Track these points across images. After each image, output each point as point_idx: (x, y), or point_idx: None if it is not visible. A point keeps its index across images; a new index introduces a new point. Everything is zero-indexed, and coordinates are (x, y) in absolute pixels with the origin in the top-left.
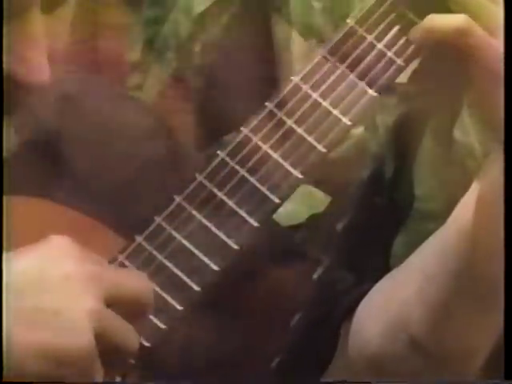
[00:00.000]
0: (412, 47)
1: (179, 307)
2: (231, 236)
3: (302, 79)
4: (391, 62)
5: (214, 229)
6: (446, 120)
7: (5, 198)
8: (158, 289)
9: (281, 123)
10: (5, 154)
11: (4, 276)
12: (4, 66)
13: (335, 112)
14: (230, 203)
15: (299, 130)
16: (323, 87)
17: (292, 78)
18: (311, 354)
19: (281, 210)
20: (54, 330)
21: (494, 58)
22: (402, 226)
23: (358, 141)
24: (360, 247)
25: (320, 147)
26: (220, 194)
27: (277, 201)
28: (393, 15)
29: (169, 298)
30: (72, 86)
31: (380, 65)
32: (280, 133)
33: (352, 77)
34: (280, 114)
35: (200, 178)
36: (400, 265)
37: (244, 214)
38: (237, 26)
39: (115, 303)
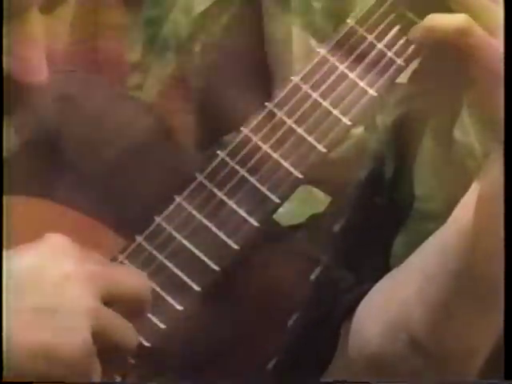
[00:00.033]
0: (412, 47)
1: (179, 307)
2: (231, 236)
3: (302, 79)
4: (391, 62)
5: (214, 229)
6: (445, 120)
7: (5, 198)
8: (158, 289)
9: (281, 123)
10: (5, 153)
11: (3, 275)
12: (4, 66)
13: (335, 112)
14: (230, 203)
15: (299, 130)
16: (323, 87)
17: (292, 77)
18: (311, 354)
19: (281, 209)
20: (51, 330)
21: (494, 57)
22: (401, 226)
23: (357, 141)
24: (360, 247)
25: (320, 147)
26: (220, 194)
27: (277, 201)
28: (393, 15)
29: (169, 298)
30: (72, 86)
31: (380, 65)
32: (280, 133)
33: (352, 77)
34: (280, 114)
35: (200, 177)
36: (400, 265)
37: (244, 214)
38: (237, 26)
39: (113, 301)
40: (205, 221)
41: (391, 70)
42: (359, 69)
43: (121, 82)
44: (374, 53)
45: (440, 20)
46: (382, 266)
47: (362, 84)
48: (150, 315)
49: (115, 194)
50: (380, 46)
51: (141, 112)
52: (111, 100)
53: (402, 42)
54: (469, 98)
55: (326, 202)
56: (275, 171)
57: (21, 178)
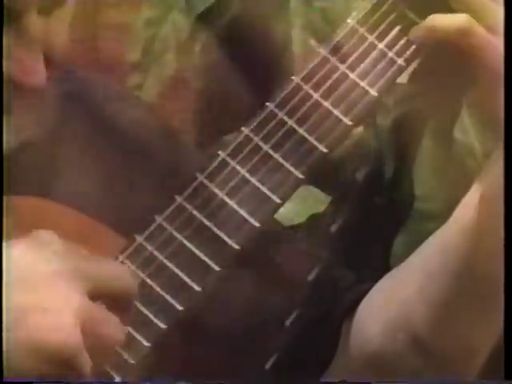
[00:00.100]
0: (413, 47)
1: (179, 307)
2: (232, 236)
3: (302, 79)
4: (392, 62)
5: (214, 229)
6: (445, 120)
7: (5, 198)
8: (158, 289)
9: (282, 123)
10: (5, 153)
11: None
12: (3, 67)
13: (336, 112)
14: (231, 203)
15: (300, 130)
16: (324, 87)
17: (293, 77)
18: (311, 353)
19: (281, 209)
20: (40, 326)
21: (495, 57)
22: (401, 226)
23: (358, 141)
24: (360, 247)
25: (321, 147)
26: (221, 194)
27: (278, 201)
28: (394, 15)
29: (169, 298)
30: (72, 86)
31: (381, 65)
32: (280, 133)
33: (353, 77)
34: (281, 114)
35: (201, 177)
36: (400, 264)
37: (245, 214)
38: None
39: (100, 296)
40: (205, 221)
41: (392, 70)
42: (360, 69)
43: (121, 82)
44: (374, 53)
45: (441, 20)
46: (382, 266)
47: (362, 84)
48: (150, 315)
49: (115, 193)
50: (381, 46)
51: (141, 111)
52: (112, 100)
53: (402, 42)
54: (469, 98)
55: (326, 202)
56: (276, 171)
57: (21, 177)
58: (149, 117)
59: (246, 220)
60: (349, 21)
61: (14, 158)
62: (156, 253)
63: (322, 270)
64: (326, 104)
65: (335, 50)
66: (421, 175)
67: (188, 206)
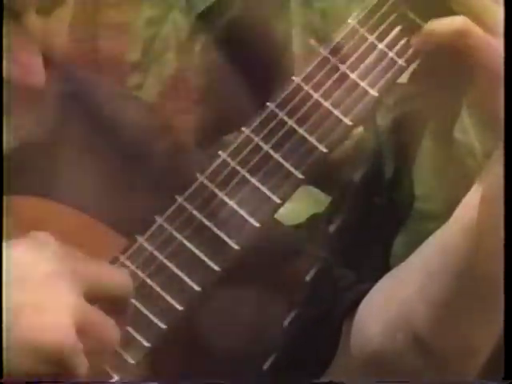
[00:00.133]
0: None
1: (179, 307)
2: (232, 236)
3: (303, 79)
4: (392, 62)
5: (214, 229)
6: (445, 120)
7: (5, 198)
8: (158, 289)
9: (282, 123)
10: (5, 153)
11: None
12: (3, 68)
13: (336, 112)
14: (231, 203)
15: (300, 131)
16: (324, 87)
17: (293, 78)
18: (312, 353)
19: (281, 209)
20: (36, 327)
21: (494, 58)
22: (402, 226)
23: (358, 141)
24: (360, 246)
25: (321, 147)
26: (221, 195)
27: (278, 201)
28: (394, 15)
29: (169, 298)
30: (72, 86)
31: (381, 65)
32: (281, 133)
33: (353, 77)
34: (281, 115)
35: (201, 178)
36: (401, 264)
37: (245, 215)
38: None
39: (96, 299)
40: (206, 221)
41: (392, 71)
42: (360, 69)
43: (121, 82)
44: (374, 53)
45: (438, 24)
46: (382, 266)
47: (362, 84)
48: (150, 315)
49: (116, 193)
50: (381, 46)
51: (141, 112)
52: (112, 100)
53: (403, 42)
54: (469, 99)
55: (326, 202)
56: (276, 172)
57: (21, 177)
58: (149, 117)
59: (246, 220)
60: (349, 21)
61: (14, 158)
62: (156, 253)
63: (322, 270)
64: (327, 104)
65: (335, 50)
66: (421, 175)
67: (188, 206)
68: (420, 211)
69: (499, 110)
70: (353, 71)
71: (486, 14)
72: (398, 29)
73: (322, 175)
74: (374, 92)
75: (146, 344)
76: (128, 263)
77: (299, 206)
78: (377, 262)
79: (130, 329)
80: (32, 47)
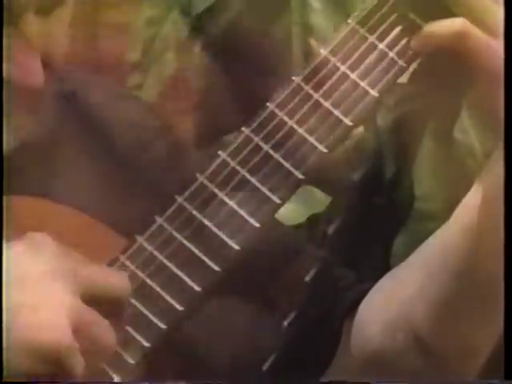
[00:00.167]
0: None
1: (179, 307)
2: (232, 236)
3: (303, 79)
4: (393, 62)
5: (214, 229)
6: (445, 120)
7: (5, 198)
8: (158, 289)
9: (282, 123)
10: (5, 153)
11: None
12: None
13: (336, 112)
14: (231, 203)
15: (300, 131)
16: (324, 87)
17: (293, 78)
18: (312, 353)
19: (281, 210)
20: (32, 326)
21: (493, 59)
22: (402, 226)
23: (358, 141)
24: (360, 246)
25: (321, 148)
26: (221, 195)
27: (278, 201)
28: (394, 16)
29: (169, 298)
30: (72, 86)
31: (381, 65)
32: (281, 133)
33: (353, 77)
34: (281, 115)
35: (201, 178)
36: (401, 264)
37: (245, 215)
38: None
39: (92, 300)
40: (206, 221)
41: (393, 71)
42: (360, 69)
43: (121, 82)
44: (375, 53)
45: (438, 26)
46: (383, 265)
47: (363, 84)
48: (150, 315)
49: (115, 193)
50: (381, 46)
51: (142, 111)
52: (112, 100)
53: (403, 42)
54: (469, 99)
55: (326, 202)
56: (276, 172)
57: (21, 177)
58: (149, 117)
59: (246, 220)
60: (349, 21)
61: (13, 158)
62: (156, 253)
63: (321, 271)
64: (327, 104)
65: (336, 50)
66: (421, 175)
67: (188, 207)
68: (420, 211)
69: (499, 111)
70: (353, 71)
71: (486, 15)
72: (398, 29)
73: (322, 175)
74: (374, 92)
75: (146, 344)
76: (128, 263)
77: (299, 206)
78: (377, 262)
79: (129, 329)
80: (31, 48)
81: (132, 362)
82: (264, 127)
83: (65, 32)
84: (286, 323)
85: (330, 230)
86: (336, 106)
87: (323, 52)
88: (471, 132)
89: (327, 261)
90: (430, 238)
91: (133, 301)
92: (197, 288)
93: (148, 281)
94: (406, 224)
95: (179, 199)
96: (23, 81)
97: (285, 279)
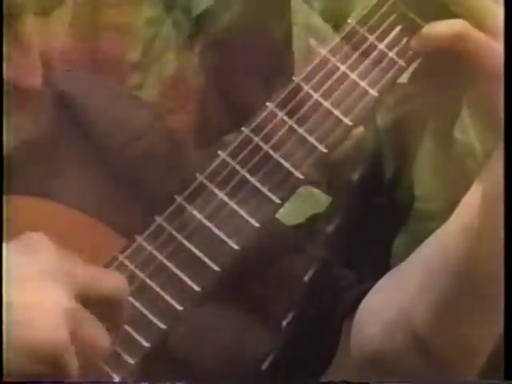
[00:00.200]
0: None
1: (179, 307)
2: (232, 236)
3: (303, 79)
4: (392, 62)
5: (214, 229)
6: (446, 120)
7: (5, 198)
8: (157, 289)
9: (282, 123)
10: (5, 153)
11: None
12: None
13: (336, 112)
14: (231, 203)
15: (300, 131)
16: (324, 87)
17: (293, 77)
18: (311, 353)
19: (281, 210)
20: (27, 326)
21: (493, 60)
22: (402, 226)
23: (357, 141)
24: (360, 246)
25: (321, 148)
26: (221, 195)
27: (278, 201)
28: (394, 15)
29: (169, 298)
30: (72, 86)
31: (381, 65)
32: (281, 133)
33: (353, 77)
34: (281, 114)
35: (201, 178)
36: (401, 263)
37: (245, 215)
38: (237, 26)
39: (89, 303)
40: (205, 221)
41: (392, 71)
42: (360, 69)
43: (121, 82)
44: (375, 53)
45: (437, 27)
46: (383, 265)
47: (362, 84)
48: (149, 315)
49: (115, 193)
50: (381, 46)
51: (141, 111)
52: (111, 99)
53: (403, 42)
54: (469, 99)
55: (326, 201)
56: (276, 172)
57: (21, 177)
58: (149, 117)
59: (245, 220)
60: (349, 21)
61: (14, 158)
62: (155, 253)
63: (320, 271)
64: (327, 104)
65: (335, 50)
66: (421, 175)
67: (188, 206)
68: (420, 211)
69: (499, 111)
70: (353, 71)
71: (486, 15)
72: (398, 29)
73: (321, 175)
74: (374, 92)
75: (146, 344)
76: (127, 263)
77: (299, 206)
78: (377, 262)
79: (129, 329)
80: (30, 49)
81: (132, 362)
82: (264, 127)
83: (64, 33)
84: (284, 323)
85: (329, 229)
86: (336, 105)
87: (323, 52)
88: (471, 132)
89: (326, 261)
90: (430, 238)
91: (132, 301)
92: (196, 288)
93: (147, 281)
94: (406, 224)
95: (179, 199)
96: (22, 81)
97: (284, 279)
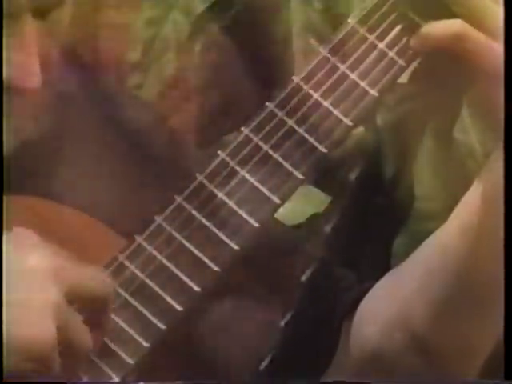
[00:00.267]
0: None
1: (179, 308)
2: (231, 236)
3: (303, 79)
4: (392, 62)
5: (214, 229)
6: (446, 120)
7: (5, 198)
8: (157, 289)
9: (281, 123)
10: (5, 153)
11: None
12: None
13: (336, 112)
14: (231, 203)
15: (300, 130)
16: (324, 87)
17: (293, 77)
18: (311, 353)
19: (281, 209)
20: (17, 322)
21: (492, 61)
22: (402, 226)
23: (357, 141)
24: (360, 246)
25: (321, 147)
26: (220, 195)
27: (277, 201)
28: (394, 15)
29: (168, 299)
30: (72, 86)
31: (381, 65)
32: (280, 133)
33: (353, 77)
34: (281, 114)
35: (200, 178)
36: (401, 264)
37: (244, 215)
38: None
39: (75, 300)
40: (205, 221)
41: (392, 71)
42: (360, 69)
43: (121, 82)
44: (375, 53)
45: (436, 27)
46: (383, 265)
47: (362, 84)
48: (149, 316)
49: (116, 193)
50: (381, 46)
51: (141, 112)
52: (112, 100)
53: (403, 42)
54: (469, 99)
55: (326, 201)
56: (276, 171)
57: (21, 177)
58: (149, 117)
59: (245, 220)
60: (349, 21)
61: (14, 157)
62: (155, 253)
63: (320, 270)
64: (326, 104)
65: (335, 49)
66: (421, 175)
67: (187, 206)
68: (420, 211)
69: (499, 111)
70: (353, 71)
71: (486, 15)
72: (398, 28)
73: (322, 175)
74: (374, 92)
75: (146, 344)
76: (127, 263)
77: (299, 206)
78: (377, 262)
79: (129, 329)
80: (29, 50)
81: (131, 362)
82: (263, 127)
83: (63, 33)
84: (282, 323)
85: (328, 229)
86: (336, 105)
87: (323, 51)
88: (471, 132)
89: (325, 261)
90: (430, 238)
91: (132, 301)
92: (196, 288)
93: (147, 281)
94: (406, 224)
95: (178, 199)
96: (21, 82)
97: (283, 279)
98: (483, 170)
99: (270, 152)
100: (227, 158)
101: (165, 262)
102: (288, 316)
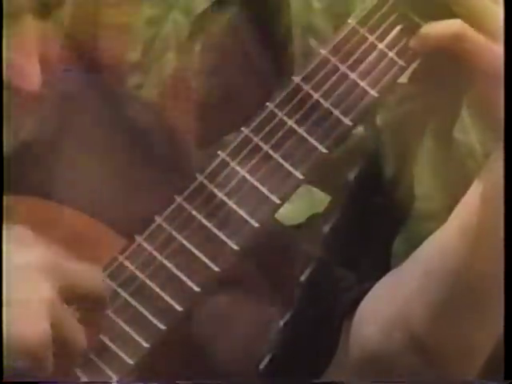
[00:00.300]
0: None
1: (179, 308)
2: (231, 236)
3: (303, 79)
4: (392, 62)
5: (214, 229)
6: (445, 120)
7: (5, 198)
8: (157, 289)
9: (281, 123)
10: (5, 153)
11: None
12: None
13: (336, 112)
14: (231, 203)
15: (300, 131)
16: (324, 87)
17: (293, 78)
18: (311, 353)
19: (281, 210)
20: (11, 320)
21: (492, 61)
22: (402, 226)
23: (358, 141)
24: (360, 246)
25: (321, 148)
26: (220, 195)
27: (277, 201)
28: (394, 15)
29: (168, 299)
30: (72, 86)
31: (381, 65)
32: (281, 133)
33: (353, 77)
34: (281, 115)
35: (200, 178)
36: (400, 264)
37: (244, 215)
38: (237, 26)
39: (70, 298)
40: (205, 221)
41: (392, 71)
42: (360, 69)
43: (121, 82)
44: (375, 53)
45: (435, 27)
46: (383, 266)
47: (362, 84)
48: (149, 316)
49: (116, 193)
50: (381, 46)
51: (141, 112)
52: (112, 100)
53: (403, 42)
54: (469, 99)
55: (325, 201)
56: (276, 171)
57: (21, 177)
58: (149, 117)
59: (245, 220)
60: (349, 21)
61: (14, 157)
62: (155, 253)
63: (319, 271)
64: (326, 104)
65: (335, 50)
66: (421, 175)
67: (187, 207)
68: (420, 211)
69: (498, 111)
70: (353, 71)
71: (486, 16)
72: (398, 29)
73: (322, 175)
74: (374, 92)
75: (145, 345)
76: (127, 263)
77: (299, 206)
78: (377, 262)
79: (129, 329)
80: (28, 51)
81: (131, 362)
82: (263, 127)
83: (63, 34)
84: (282, 323)
85: (327, 229)
86: (336, 105)
87: (323, 52)
88: (471, 132)
89: (324, 261)
90: (429, 238)
91: (132, 301)
92: (196, 288)
93: (147, 281)
94: (406, 224)
95: (178, 199)
96: (21, 83)
97: (282, 279)
98: (483, 170)
99: (270, 152)
100: (227, 158)
101: (165, 262)
102: (287, 316)
